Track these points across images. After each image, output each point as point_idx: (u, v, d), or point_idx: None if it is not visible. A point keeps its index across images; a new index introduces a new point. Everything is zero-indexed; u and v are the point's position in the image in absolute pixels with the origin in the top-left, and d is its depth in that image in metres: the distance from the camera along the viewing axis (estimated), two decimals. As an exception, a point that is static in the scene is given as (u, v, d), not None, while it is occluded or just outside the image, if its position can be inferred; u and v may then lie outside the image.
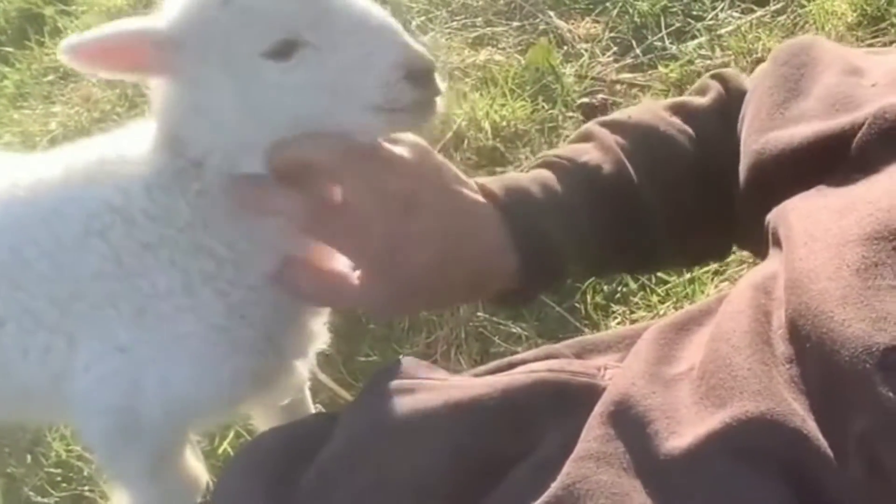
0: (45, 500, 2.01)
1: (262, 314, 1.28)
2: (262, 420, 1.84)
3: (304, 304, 1.33)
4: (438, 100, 1.13)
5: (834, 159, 1.02)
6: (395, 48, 1.10)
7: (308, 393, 1.80)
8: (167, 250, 1.23)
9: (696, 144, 1.26)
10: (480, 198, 1.18)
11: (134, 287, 1.24)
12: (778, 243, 1.00)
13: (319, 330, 1.43)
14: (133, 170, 1.23)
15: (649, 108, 1.33)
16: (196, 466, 1.57)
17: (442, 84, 1.13)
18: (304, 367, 1.67)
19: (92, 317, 1.27)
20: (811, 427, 0.85)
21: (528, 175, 1.25)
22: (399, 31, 1.11)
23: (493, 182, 1.22)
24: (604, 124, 1.30)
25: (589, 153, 1.25)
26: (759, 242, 1.13)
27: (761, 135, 1.13)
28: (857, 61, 1.14)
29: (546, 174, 1.24)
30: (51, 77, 3.04)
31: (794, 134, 1.08)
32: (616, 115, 1.35)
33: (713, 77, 1.32)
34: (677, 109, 1.30)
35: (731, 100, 1.27)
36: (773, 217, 1.05)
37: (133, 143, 1.25)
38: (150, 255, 1.23)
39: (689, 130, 1.27)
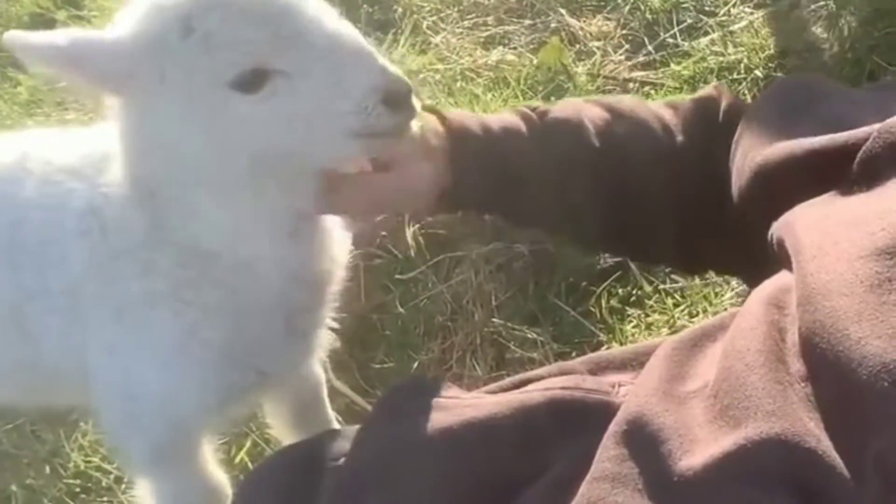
0: (65, 511, 2.02)
1: (221, 337, 1.27)
2: (279, 428, 1.85)
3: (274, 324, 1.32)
4: (413, 122, 1.11)
5: (837, 172, 1.01)
6: (370, 72, 1.06)
7: (326, 400, 1.81)
8: (130, 262, 1.24)
9: (674, 139, 1.28)
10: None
11: (113, 290, 1.26)
12: (785, 255, 0.99)
13: (312, 345, 1.44)
14: (111, 176, 1.23)
15: (643, 101, 1.37)
16: (216, 471, 1.58)
17: (417, 104, 1.10)
18: (312, 371, 1.71)
19: (90, 311, 1.30)
20: (826, 447, 0.84)
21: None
22: (373, 52, 1.08)
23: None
24: (587, 99, 1.34)
25: (558, 111, 1.29)
26: (746, 261, 1.15)
27: (765, 148, 1.13)
28: (857, 95, 1.15)
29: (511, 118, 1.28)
30: (64, 83, 3.03)
31: (801, 143, 1.08)
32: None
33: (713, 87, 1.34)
34: (669, 104, 1.32)
35: (723, 106, 1.28)
36: (777, 228, 1.04)
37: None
38: (119, 263, 1.24)
39: (672, 123, 1.29)
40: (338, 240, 1.37)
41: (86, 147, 1.32)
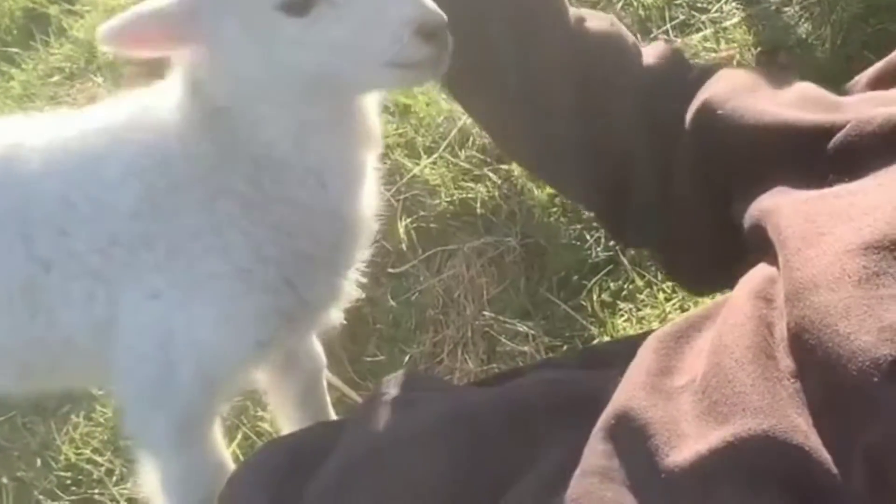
0: (55, 503, 2.02)
1: (281, 256, 1.33)
2: (276, 407, 1.87)
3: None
4: (448, 53, 1.15)
5: (813, 152, 1.03)
6: (407, 4, 1.12)
7: (325, 387, 1.83)
8: (196, 191, 1.29)
9: (642, 60, 1.27)
10: None
11: (167, 227, 1.30)
12: (767, 242, 0.99)
13: (344, 287, 1.48)
14: (168, 116, 1.29)
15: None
16: (224, 453, 1.59)
17: (450, 38, 1.14)
18: (314, 353, 1.76)
19: (129, 262, 1.32)
20: (814, 443, 0.84)
21: None
22: None
23: None
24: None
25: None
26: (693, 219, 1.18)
27: (742, 101, 1.14)
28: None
29: None
30: (56, 77, 3.03)
31: (782, 113, 1.09)
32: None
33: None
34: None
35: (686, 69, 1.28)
36: (756, 214, 1.05)
37: (168, 94, 1.31)
38: (182, 195, 1.29)
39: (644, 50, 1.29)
40: (372, 190, 1.42)
41: (103, 115, 1.38)
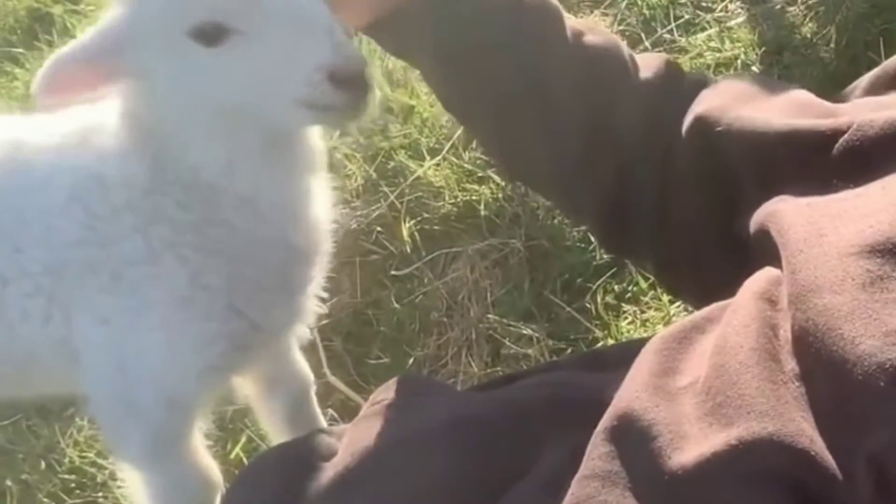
0: (59, 506, 2.02)
1: (226, 284, 1.31)
2: (267, 426, 1.86)
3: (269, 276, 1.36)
4: (369, 100, 1.13)
5: (817, 158, 1.02)
6: (321, 48, 1.09)
7: (316, 404, 1.82)
8: (132, 215, 1.27)
9: (639, 73, 1.25)
10: None
11: (109, 254, 1.29)
12: (771, 245, 0.99)
13: (305, 305, 1.47)
14: (109, 140, 1.27)
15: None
16: (209, 463, 1.58)
17: (373, 85, 1.12)
18: (290, 342, 1.70)
19: (78, 286, 1.31)
20: (819, 447, 0.84)
21: None
22: (332, 27, 1.10)
23: None
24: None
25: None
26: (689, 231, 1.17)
27: (739, 114, 1.12)
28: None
29: None
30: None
31: (781, 122, 1.08)
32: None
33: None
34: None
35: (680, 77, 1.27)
36: (761, 219, 1.04)
37: (112, 114, 1.29)
38: (120, 220, 1.28)
39: (639, 62, 1.26)
40: (324, 207, 1.41)
41: (61, 126, 1.35)
